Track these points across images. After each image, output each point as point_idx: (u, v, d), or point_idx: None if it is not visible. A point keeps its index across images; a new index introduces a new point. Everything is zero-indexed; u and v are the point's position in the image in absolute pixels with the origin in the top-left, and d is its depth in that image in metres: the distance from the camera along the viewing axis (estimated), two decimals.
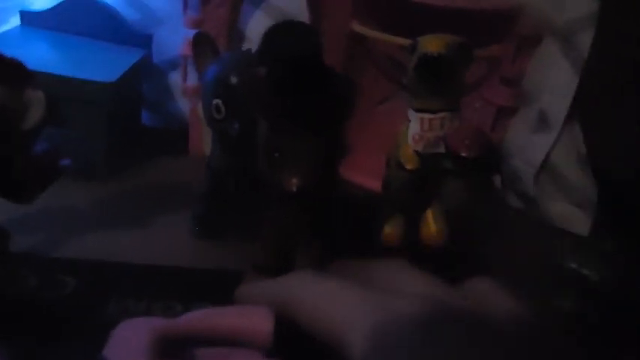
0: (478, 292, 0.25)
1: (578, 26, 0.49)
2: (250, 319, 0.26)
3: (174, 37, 0.56)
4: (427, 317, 0.21)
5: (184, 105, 0.59)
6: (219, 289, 0.40)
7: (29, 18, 0.55)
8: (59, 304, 0.36)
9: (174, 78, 0.59)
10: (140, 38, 0.57)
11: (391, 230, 0.43)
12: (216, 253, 0.44)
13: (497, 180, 0.47)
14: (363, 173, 0.53)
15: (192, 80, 0.56)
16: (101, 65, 0.50)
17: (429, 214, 0.42)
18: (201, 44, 0.41)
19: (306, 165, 0.33)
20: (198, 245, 0.45)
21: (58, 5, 0.55)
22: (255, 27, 0.56)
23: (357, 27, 0.53)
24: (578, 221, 0.51)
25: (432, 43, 0.38)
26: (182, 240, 0.45)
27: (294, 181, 0.33)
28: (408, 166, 0.41)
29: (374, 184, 0.48)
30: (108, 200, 0.49)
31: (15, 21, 0.56)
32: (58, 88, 0.45)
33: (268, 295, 0.26)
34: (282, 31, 0.30)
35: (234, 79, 0.39)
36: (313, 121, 0.33)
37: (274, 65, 0.32)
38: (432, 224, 0.42)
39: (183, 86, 0.57)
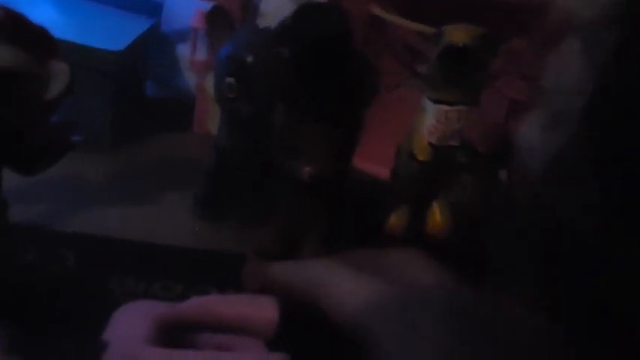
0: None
1: (603, 24, 0.48)
2: (255, 307, 0.26)
3: (185, 7, 0.54)
4: (442, 308, 0.22)
5: (191, 79, 0.58)
6: (220, 271, 0.40)
7: None
8: (58, 279, 0.35)
9: (183, 50, 0.58)
10: (150, 6, 0.55)
11: (396, 220, 0.42)
12: (218, 234, 0.43)
13: (504, 174, 0.46)
14: (372, 160, 0.52)
15: (202, 54, 0.54)
16: (109, 33, 0.48)
17: (436, 206, 0.42)
18: (217, 18, 0.39)
19: (323, 154, 0.32)
20: (199, 225, 0.44)
21: None
22: (270, 3, 0.54)
23: (377, 10, 0.52)
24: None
25: (458, 33, 0.37)
26: (183, 219, 0.44)
27: (309, 170, 0.32)
28: (420, 158, 0.40)
29: (382, 171, 0.47)
30: (111, 173, 0.48)
31: None
32: (64, 54, 0.44)
33: (293, 276, 0.26)
34: (309, 13, 0.29)
35: (250, 58, 0.37)
36: (334, 108, 0.31)
37: (299, 47, 0.30)
38: (438, 216, 0.42)
39: (192, 60, 0.55)
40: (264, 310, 0.25)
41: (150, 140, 0.54)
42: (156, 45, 0.57)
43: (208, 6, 0.47)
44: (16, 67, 0.29)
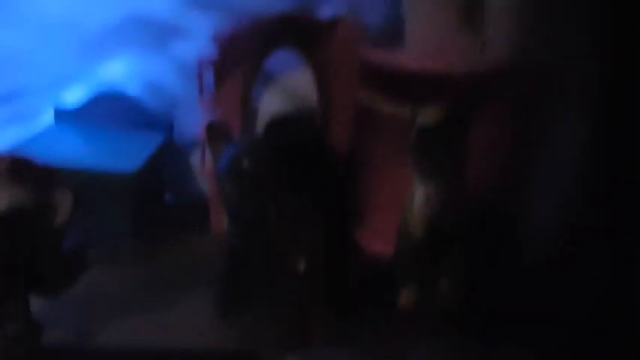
0: None
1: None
2: None
3: (194, 120, 0.59)
4: None
5: (205, 184, 0.62)
6: None
7: (61, 115, 0.60)
8: None
9: (196, 159, 0.62)
10: (163, 123, 0.61)
11: (406, 298, 0.43)
12: (238, 332, 0.44)
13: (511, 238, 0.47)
14: (379, 237, 0.53)
15: (211, 163, 0.59)
16: (125, 155, 0.53)
17: (444, 279, 0.43)
18: (214, 132, 0.44)
19: (312, 245, 0.35)
20: (220, 325, 0.46)
21: (87, 102, 0.60)
22: (267, 104, 0.59)
23: (365, 98, 0.56)
24: None
25: (428, 115, 0.40)
26: (206, 320, 0.46)
27: (302, 261, 0.35)
28: (416, 234, 0.42)
29: (389, 248, 0.49)
30: (134, 283, 0.50)
31: (49, 118, 0.61)
32: (86, 181, 0.49)
33: None
34: (281, 123, 0.33)
35: (245, 163, 0.41)
36: (316, 203, 0.34)
37: (276, 151, 0.34)
38: (446, 289, 0.43)
39: (202, 167, 0.59)
40: None
41: (171, 245, 0.57)
42: (170, 156, 0.62)
43: (212, 117, 0.53)
44: (25, 206, 0.34)
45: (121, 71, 0.61)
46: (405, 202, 0.44)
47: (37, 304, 0.37)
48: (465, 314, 0.42)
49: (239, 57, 0.55)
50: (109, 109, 0.60)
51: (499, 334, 0.42)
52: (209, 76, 0.56)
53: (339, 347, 0.37)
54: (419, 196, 0.41)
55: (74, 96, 0.61)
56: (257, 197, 0.41)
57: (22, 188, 0.34)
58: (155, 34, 0.55)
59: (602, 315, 0.45)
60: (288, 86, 0.58)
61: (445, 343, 0.41)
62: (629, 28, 0.46)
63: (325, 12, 0.58)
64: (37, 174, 0.36)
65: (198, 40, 0.57)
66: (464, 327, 0.41)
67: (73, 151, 0.55)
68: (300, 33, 0.56)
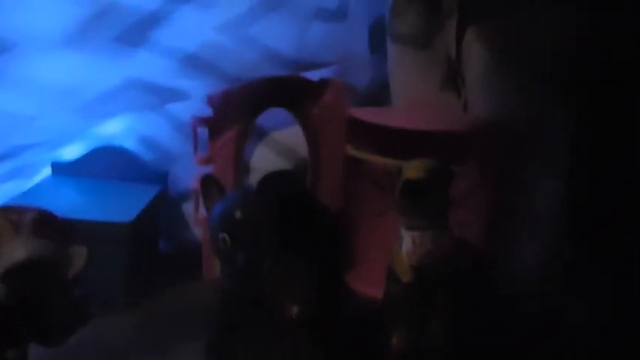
0: None
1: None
2: None
3: (188, 172, 0.62)
4: None
5: (198, 232, 0.64)
6: None
7: (59, 167, 0.62)
8: None
9: (189, 208, 0.64)
10: (158, 175, 0.63)
11: (398, 341, 0.45)
12: None
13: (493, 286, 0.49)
14: (369, 283, 0.55)
15: (204, 211, 0.61)
16: (120, 206, 0.55)
17: (434, 323, 0.44)
18: (208, 185, 0.46)
19: (307, 293, 0.36)
20: None
21: (85, 155, 0.62)
22: (259, 159, 0.61)
23: (352, 151, 0.59)
24: None
25: (413, 170, 0.43)
26: None
27: (296, 309, 0.36)
28: (404, 279, 0.44)
29: (379, 292, 0.50)
30: (128, 331, 0.51)
31: (47, 171, 0.63)
32: (82, 231, 0.50)
33: None
34: (271, 181, 0.35)
35: (238, 214, 0.43)
36: (306, 252, 0.36)
37: (269, 204, 0.36)
38: (437, 333, 0.44)
39: (195, 217, 0.61)
40: None
41: (164, 293, 0.58)
42: (165, 206, 0.64)
43: (207, 170, 0.55)
44: (46, 257, 0.35)
45: (118, 128, 0.63)
46: (392, 249, 0.46)
47: (33, 352, 0.38)
48: (453, 356, 0.43)
49: (232, 116, 0.58)
50: (105, 162, 0.62)
51: None
52: (203, 133, 0.59)
53: None
54: (405, 243, 0.44)
55: (72, 150, 0.64)
56: (249, 247, 0.42)
57: (42, 240, 0.36)
58: (154, 96, 0.58)
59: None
60: (280, 142, 0.61)
61: None
62: (603, 86, 0.50)
63: (314, 75, 0.62)
64: (58, 228, 0.38)
65: (194, 101, 0.60)
66: None
67: (70, 202, 0.57)
68: (289, 94, 0.60)
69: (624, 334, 0.47)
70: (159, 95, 0.56)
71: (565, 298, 0.52)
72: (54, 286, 0.36)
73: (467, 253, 0.45)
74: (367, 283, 0.56)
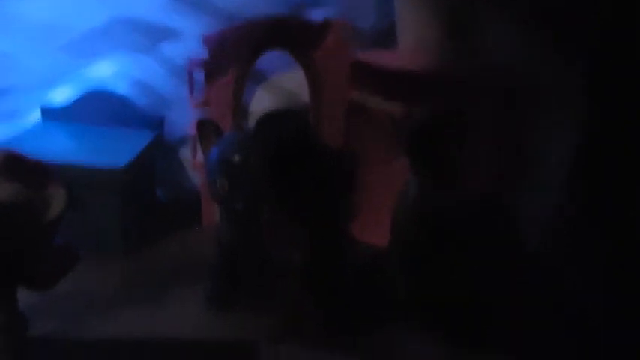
0: None
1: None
2: None
3: (185, 117, 0.60)
4: None
5: (197, 179, 0.62)
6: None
7: (49, 113, 0.60)
8: None
9: (186, 155, 0.62)
10: (153, 121, 0.61)
11: (399, 286, 0.44)
12: (230, 325, 0.44)
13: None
14: (372, 232, 0.54)
15: (202, 157, 0.59)
16: (114, 152, 0.53)
17: (442, 272, 0.43)
18: (205, 129, 0.43)
19: (304, 239, 0.35)
20: (212, 318, 0.46)
21: (76, 100, 0.59)
22: (258, 104, 0.59)
23: (357, 96, 0.56)
24: None
25: (423, 114, 0.41)
26: (197, 314, 0.46)
27: (296, 255, 0.34)
28: (410, 227, 0.43)
29: (383, 241, 0.49)
30: (126, 278, 0.50)
31: (37, 116, 0.60)
32: (73, 177, 0.48)
33: None
34: (273, 119, 0.33)
35: (236, 158, 0.41)
36: (310, 197, 0.34)
37: (268, 146, 0.34)
38: (444, 281, 0.43)
39: (194, 162, 0.59)
40: None
41: (163, 240, 0.57)
42: (161, 153, 0.62)
43: (203, 115, 0.53)
44: (16, 200, 0.33)
45: (109, 70, 0.60)
46: (398, 196, 0.44)
47: (26, 298, 0.36)
48: (458, 309, 0.42)
49: (229, 58, 0.55)
50: (97, 108, 0.59)
51: (493, 330, 0.42)
52: (200, 77, 0.56)
53: (330, 339, 0.37)
54: (412, 189, 0.42)
55: (62, 94, 0.61)
56: (248, 191, 0.41)
57: (14, 183, 0.34)
58: (144, 35, 0.55)
59: (598, 315, 0.45)
60: (280, 86, 0.58)
61: (438, 340, 0.41)
62: (617, 34, 0.47)
63: (316, 15, 0.58)
64: (30, 170, 0.36)
65: (188, 41, 0.57)
66: (457, 322, 0.42)
67: (61, 147, 0.54)
68: (291, 35, 0.57)
69: (623, 291, 0.46)
70: (149, 34, 0.53)
71: (567, 251, 0.51)
72: (33, 229, 0.34)
73: (475, 199, 0.43)
74: (370, 231, 0.54)
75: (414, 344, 0.41)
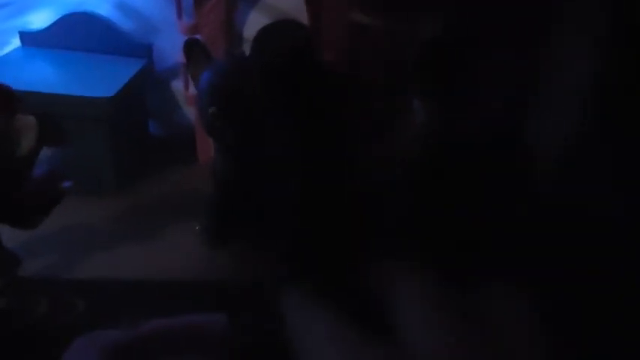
0: None
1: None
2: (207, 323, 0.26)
3: (174, 45, 0.55)
4: None
5: (190, 112, 0.59)
6: (234, 300, 0.39)
7: (29, 38, 0.55)
8: (68, 328, 0.35)
9: (179, 86, 0.59)
10: (140, 48, 0.57)
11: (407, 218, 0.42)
12: (227, 262, 0.43)
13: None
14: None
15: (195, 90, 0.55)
16: (100, 80, 0.49)
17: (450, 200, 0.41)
18: (193, 51, 0.40)
19: (302, 170, 0.32)
20: (209, 256, 0.44)
21: (55, 23, 0.55)
22: (253, 27, 0.54)
23: (358, 16, 0.52)
24: None
25: (432, 31, 0.37)
26: (193, 251, 0.45)
27: (299, 186, 0.32)
28: (415, 154, 0.40)
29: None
30: (119, 215, 0.48)
31: (16, 42, 0.56)
32: (57, 106, 0.45)
33: None
34: (272, 32, 0.29)
35: (228, 85, 0.37)
36: (305, 124, 0.31)
37: (268, 67, 0.30)
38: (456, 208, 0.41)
39: (186, 94, 0.56)
40: (215, 325, 0.26)
41: (157, 176, 0.55)
42: (152, 84, 0.58)
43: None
44: None
45: None
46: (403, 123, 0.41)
47: (17, 237, 0.35)
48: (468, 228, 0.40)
49: None
50: (79, 32, 0.55)
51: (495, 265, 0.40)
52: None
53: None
54: (419, 115, 0.39)
55: (41, 17, 0.56)
56: (241, 121, 0.38)
57: None
58: None
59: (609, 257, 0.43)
60: (276, 7, 0.53)
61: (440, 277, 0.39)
62: None
63: None
64: None
65: None
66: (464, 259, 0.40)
67: (43, 75, 0.50)
68: None
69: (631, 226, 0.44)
70: None
71: (577, 182, 0.48)
72: (4, 162, 0.31)
73: (485, 125, 0.40)
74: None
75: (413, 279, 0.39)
